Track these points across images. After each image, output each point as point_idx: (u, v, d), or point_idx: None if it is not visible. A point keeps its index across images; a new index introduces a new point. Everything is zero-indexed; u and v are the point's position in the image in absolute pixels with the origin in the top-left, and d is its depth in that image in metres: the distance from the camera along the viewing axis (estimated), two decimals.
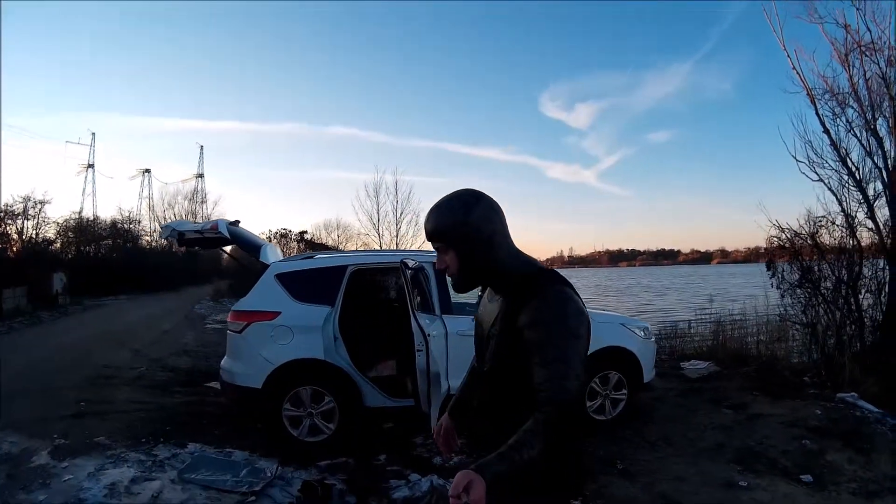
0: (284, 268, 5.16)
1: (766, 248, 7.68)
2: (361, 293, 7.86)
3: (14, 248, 22.97)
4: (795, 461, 4.46)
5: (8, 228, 24.31)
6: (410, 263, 4.53)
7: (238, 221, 5.62)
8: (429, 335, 3.93)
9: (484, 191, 1.60)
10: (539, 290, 1.51)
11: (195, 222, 6.08)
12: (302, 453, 4.64)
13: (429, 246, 1.74)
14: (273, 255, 5.46)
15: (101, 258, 29.95)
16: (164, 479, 4.02)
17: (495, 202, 1.61)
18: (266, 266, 5.17)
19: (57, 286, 17.74)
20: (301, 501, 3.61)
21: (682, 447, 4.88)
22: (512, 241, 1.63)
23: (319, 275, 5.16)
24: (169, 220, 36.10)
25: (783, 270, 7.35)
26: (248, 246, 5.45)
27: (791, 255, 7.26)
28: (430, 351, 3.90)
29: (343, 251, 6.11)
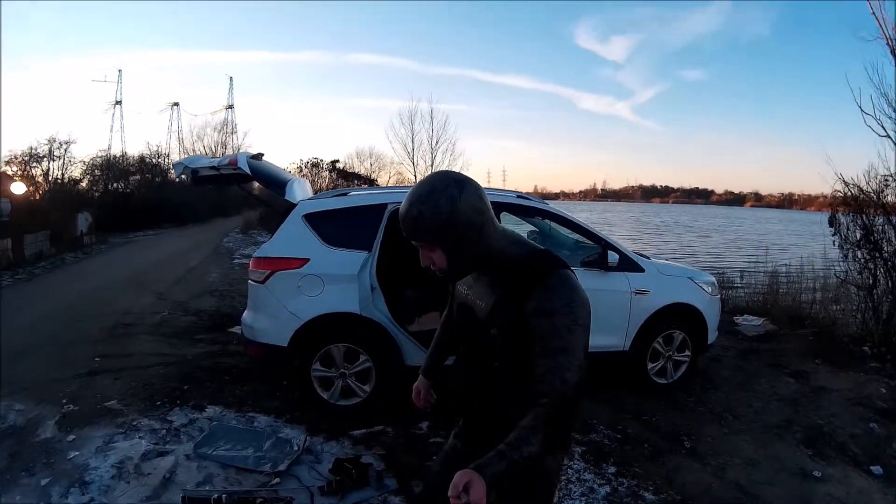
0: (314, 207, 4.48)
1: (829, 202, 7.11)
2: (403, 236, 7.26)
3: (39, 192, 22.88)
4: (864, 448, 4.13)
5: (33, 171, 24.27)
6: None
7: (261, 154, 4.91)
8: None
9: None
10: (541, 277, 1.47)
11: (211, 157, 5.33)
12: (333, 419, 4.17)
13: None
14: (301, 192, 4.76)
15: (129, 194, 29.78)
16: (179, 454, 3.57)
17: (477, 182, 1.49)
18: (292, 206, 4.50)
19: (81, 226, 17.52)
20: (332, 486, 3.12)
21: (749, 421, 4.55)
22: (498, 223, 1.56)
23: (354, 215, 4.48)
24: (196, 154, 35.68)
25: (847, 228, 6.75)
26: (273, 182, 4.70)
27: (854, 211, 6.71)
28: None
29: (381, 187, 5.36)
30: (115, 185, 30.53)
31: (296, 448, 3.58)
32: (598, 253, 4.61)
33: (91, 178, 29.11)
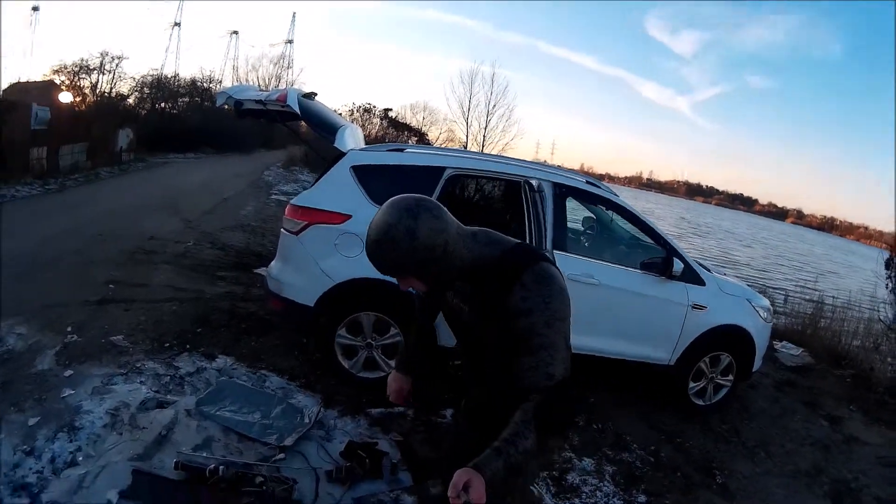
0: (365, 159, 4.05)
1: (887, 244, 6.93)
2: (457, 204, 6.80)
3: (86, 103, 22.81)
4: None
5: (82, 82, 24.24)
6: (534, 183, 3.70)
7: (314, 94, 4.43)
8: None
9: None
10: (517, 275, 1.50)
11: (260, 90, 4.85)
12: (351, 391, 3.81)
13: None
14: (353, 141, 4.31)
15: (175, 115, 29.71)
16: (179, 408, 3.24)
17: (431, 202, 1.50)
18: (341, 154, 4.07)
19: (122, 142, 17.37)
20: (342, 473, 2.76)
21: (781, 461, 4.34)
22: (462, 228, 1.56)
23: (409, 174, 4.05)
24: (244, 84, 35.39)
25: None
26: (323, 126, 4.23)
27: None
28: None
29: (440, 148, 4.90)
30: (162, 105, 30.47)
31: (307, 420, 3.22)
32: (662, 258, 4.21)
33: (139, 96, 29.08)
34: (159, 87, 30.86)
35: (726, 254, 26.64)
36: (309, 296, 3.88)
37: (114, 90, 26.12)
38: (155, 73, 31.65)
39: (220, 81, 37.54)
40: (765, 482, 3.99)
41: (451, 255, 1.48)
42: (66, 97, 18.05)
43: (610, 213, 4.74)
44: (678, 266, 4.16)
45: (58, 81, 21.58)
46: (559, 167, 4.52)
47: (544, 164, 4.53)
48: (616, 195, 4.56)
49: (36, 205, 9.17)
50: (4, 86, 17.59)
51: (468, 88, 21.76)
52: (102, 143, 15.58)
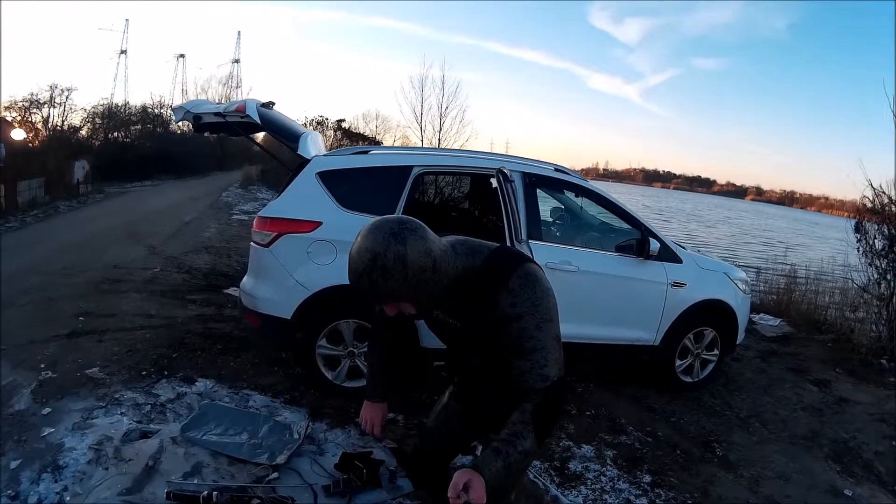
0: (330, 164, 4.03)
1: (857, 208, 7.00)
2: (428, 202, 6.77)
3: (38, 138, 22.24)
4: (889, 468, 4.04)
5: (33, 117, 23.58)
6: (507, 172, 3.67)
7: (272, 103, 4.41)
8: None
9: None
10: (503, 282, 1.51)
11: (217, 103, 4.82)
12: (338, 402, 3.79)
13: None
14: (315, 147, 4.30)
15: (129, 144, 29.15)
16: (164, 436, 3.16)
17: (413, 222, 1.47)
18: (306, 161, 4.05)
19: (78, 175, 16.92)
20: (339, 486, 2.74)
21: (777, 430, 4.42)
22: (441, 242, 1.53)
23: (376, 175, 4.04)
24: (199, 98, 34.80)
25: (873, 236, 6.55)
26: (284, 133, 4.25)
27: (880, 220, 6.55)
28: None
29: (405, 147, 4.88)
30: (115, 134, 29.85)
31: (296, 437, 3.18)
32: (638, 239, 4.27)
33: (92, 126, 28.46)
34: (111, 117, 30.28)
35: (692, 237, 27.02)
36: (285, 308, 3.84)
37: (66, 123, 25.50)
38: (105, 103, 31.26)
39: (171, 106, 37.03)
40: (764, 450, 4.06)
41: (440, 274, 1.47)
42: (18, 134, 17.53)
43: (580, 199, 4.78)
44: (655, 245, 4.22)
45: (9, 118, 20.89)
46: (529, 159, 4.56)
47: (511, 156, 4.57)
48: (586, 181, 4.64)
49: None
50: None
51: (419, 93, 21.68)
52: (59, 176, 15.24)
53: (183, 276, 7.23)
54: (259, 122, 4.07)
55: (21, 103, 23.09)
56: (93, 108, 28.90)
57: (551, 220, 5.03)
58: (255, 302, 3.97)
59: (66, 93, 24.85)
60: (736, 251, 20.73)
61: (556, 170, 4.60)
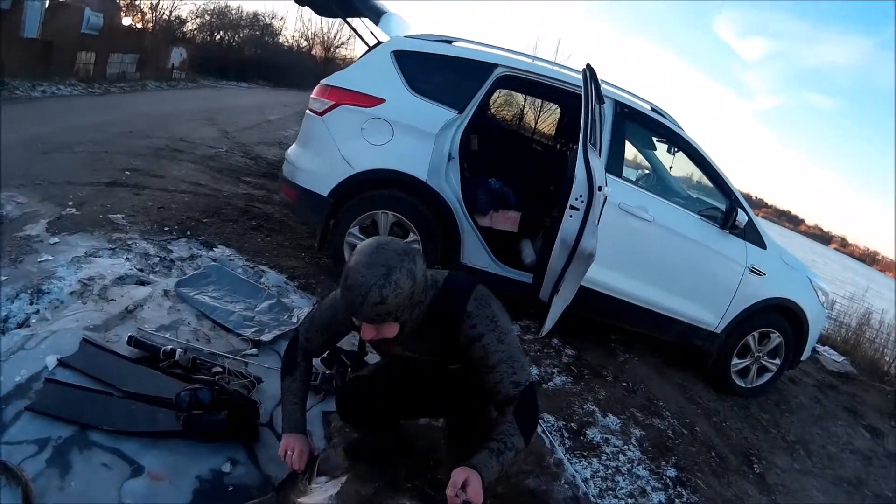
0: (408, 45, 3.61)
1: None
2: (505, 107, 6.25)
3: (143, 21, 22.74)
4: None
5: (141, 3, 24.13)
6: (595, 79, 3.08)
7: None
8: (599, 188, 2.62)
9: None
10: (461, 309, 1.57)
11: None
12: None
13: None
14: (399, 29, 3.89)
15: (233, 47, 29.45)
16: (157, 289, 2.87)
17: (414, 247, 1.70)
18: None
19: (174, 60, 17.17)
20: (316, 380, 2.34)
21: (821, 465, 3.83)
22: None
23: (455, 66, 3.60)
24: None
25: None
26: (368, 9, 3.91)
27: None
28: (593, 212, 2.61)
29: (491, 45, 4.37)
30: (220, 34, 30.21)
31: (294, 320, 2.81)
32: (726, 208, 3.65)
33: (200, 22, 28.87)
34: (220, 16, 30.54)
35: None
36: (324, 184, 3.44)
37: (173, 13, 25.96)
38: (217, 2, 31.46)
39: (283, 19, 37.09)
40: (804, 482, 3.52)
41: (427, 297, 1.56)
42: (126, 21, 17.88)
43: (672, 156, 4.14)
44: (742, 217, 3.60)
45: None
46: (624, 89, 3.92)
47: (608, 82, 3.94)
48: (682, 128, 3.98)
49: (74, 102, 8.99)
50: None
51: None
52: (154, 57, 15.39)
53: (247, 161, 6.99)
54: None
55: None
56: (203, 4, 29.20)
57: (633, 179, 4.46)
58: (294, 172, 3.59)
59: None
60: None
61: (653, 109, 3.99)
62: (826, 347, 6.78)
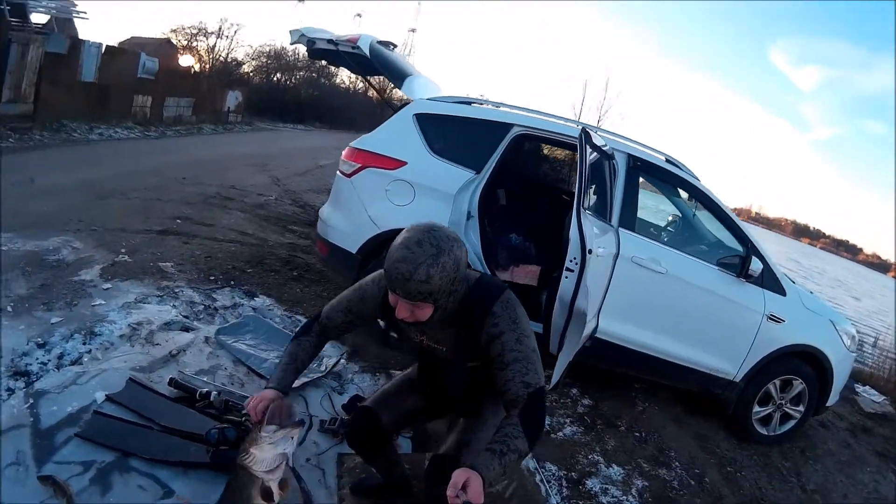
0: (429, 108, 4.03)
1: None
2: (521, 166, 6.60)
3: (200, 64, 24.55)
4: None
5: (198, 44, 26.15)
6: (597, 140, 3.36)
7: (393, 45, 4.51)
8: (590, 251, 2.88)
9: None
10: (487, 309, 1.72)
11: (334, 33, 5.02)
12: (380, 350, 3.72)
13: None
14: (422, 90, 4.29)
15: (290, 87, 31.26)
16: (200, 336, 3.30)
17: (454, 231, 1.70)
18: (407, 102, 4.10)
19: (230, 103, 18.47)
20: (334, 424, 2.70)
21: None
22: None
23: (472, 127, 3.98)
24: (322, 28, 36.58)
25: None
26: (391, 72, 4.31)
27: None
28: (586, 275, 2.89)
29: (508, 105, 4.75)
30: (278, 76, 32.13)
31: (323, 368, 3.18)
32: (741, 256, 3.89)
33: (256, 64, 30.88)
34: (277, 58, 32.58)
35: (835, 304, 25.01)
36: (353, 241, 3.85)
37: (230, 56, 27.94)
38: (273, 44, 33.56)
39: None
40: None
41: (461, 287, 1.71)
42: (187, 60, 19.43)
43: (693, 207, 4.48)
44: (756, 265, 3.82)
45: (174, 41, 23.27)
46: (639, 142, 4.23)
47: (622, 135, 4.28)
48: (697, 178, 4.24)
49: (131, 146, 9.89)
50: (123, 38, 19.17)
51: (582, 91, 21.84)
52: (210, 100, 16.62)
53: (295, 208, 7.58)
54: (368, 54, 4.14)
55: (188, 29, 25.64)
56: (260, 46, 31.28)
57: (664, 225, 4.73)
58: (326, 230, 4.04)
59: (234, 27, 27.28)
60: (867, 321, 18.69)
61: (667, 160, 4.26)
62: (866, 387, 6.78)
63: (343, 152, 4.10)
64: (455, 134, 3.96)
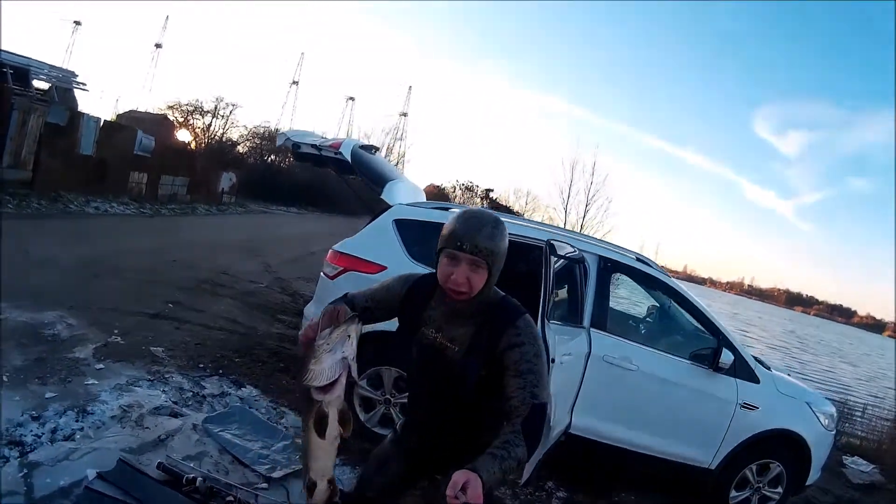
0: (407, 214, 4.41)
1: None
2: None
3: (196, 143, 25.62)
4: None
5: (194, 122, 27.37)
6: (563, 249, 3.62)
7: (375, 149, 4.95)
8: (553, 360, 3.07)
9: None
10: (512, 319, 1.84)
11: (319, 137, 5.52)
12: (362, 444, 3.95)
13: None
14: (403, 195, 4.71)
15: (284, 170, 32.20)
16: (188, 422, 3.56)
17: None
18: (388, 207, 4.47)
19: (224, 184, 19.13)
20: None
21: None
22: None
23: None
24: (311, 131, 37.86)
25: None
26: (371, 177, 4.71)
27: None
28: (552, 381, 3.09)
29: (490, 210, 5.18)
30: (272, 157, 33.18)
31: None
32: (712, 348, 4.19)
33: (250, 144, 32.04)
34: (270, 140, 33.77)
35: (827, 371, 26.35)
36: None
37: (225, 135, 29.10)
38: (268, 126, 34.73)
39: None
40: None
41: (497, 277, 1.86)
42: (184, 135, 20.33)
43: (668, 299, 4.80)
44: (727, 357, 4.10)
45: (171, 117, 24.34)
46: (610, 244, 4.65)
47: (592, 237, 4.71)
48: (668, 276, 4.63)
49: (127, 222, 10.32)
50: (121, 111, 20.09)
51: (569, 175, 22.89)
52: (205, 180, 17.26)
53: (284, 297, 7.91)
54: (350, 161, 4.56)
55: (185, 106, 26.86)
56: (254, 127, 32.55)
57: (642, 316, 5.07)
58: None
59: (230, 107, 28.57)
60: (854, 389, 18.89)
61: (638, 259, 4.66)
62: (854, 458, 7.01)
63: (327, 254, 4.42)
64: (432, 239, 4.22)
